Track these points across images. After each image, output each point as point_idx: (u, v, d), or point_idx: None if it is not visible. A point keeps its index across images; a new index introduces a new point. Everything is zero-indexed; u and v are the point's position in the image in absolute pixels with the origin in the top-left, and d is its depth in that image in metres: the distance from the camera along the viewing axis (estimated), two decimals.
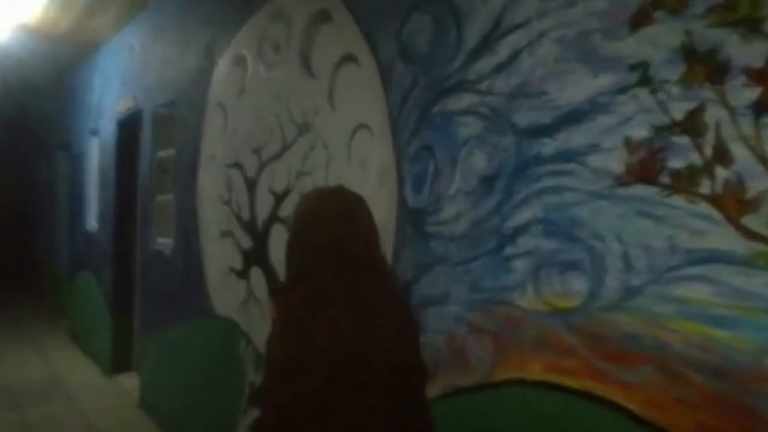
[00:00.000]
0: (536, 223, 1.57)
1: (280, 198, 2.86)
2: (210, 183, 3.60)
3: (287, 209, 2.79)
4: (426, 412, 1.36)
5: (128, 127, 5.63)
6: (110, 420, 4.58)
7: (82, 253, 6.89)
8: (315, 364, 1.24)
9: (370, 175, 2.25)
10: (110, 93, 5.85)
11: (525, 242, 1.60)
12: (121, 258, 5.69)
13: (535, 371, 1.56)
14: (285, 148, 2.84)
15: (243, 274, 3.21)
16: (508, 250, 1.65)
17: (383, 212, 2.17)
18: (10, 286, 10.00)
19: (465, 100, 1.82)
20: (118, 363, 5.68)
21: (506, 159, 1.67)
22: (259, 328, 3.04)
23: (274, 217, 2.91)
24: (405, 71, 2.08)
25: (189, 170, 3.91)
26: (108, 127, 5.90)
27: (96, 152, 6.77)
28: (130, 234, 5.74)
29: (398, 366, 1.30)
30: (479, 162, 1.76)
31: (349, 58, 2.41)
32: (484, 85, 1.75)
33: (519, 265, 1.61)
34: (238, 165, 3.27)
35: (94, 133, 6.61)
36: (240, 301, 3.23)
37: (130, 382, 5.44)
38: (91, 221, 6.79)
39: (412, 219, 2.03)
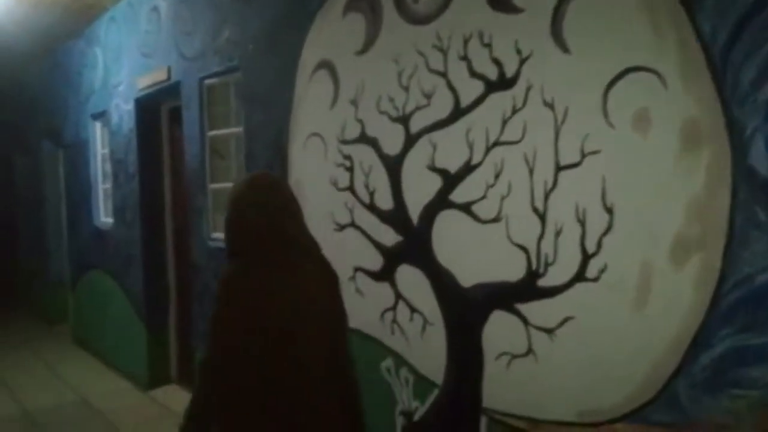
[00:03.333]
0: None
1: (454, 177, 2.19)
2: (314, 165, 2.89)
3: (472, 191, 2.13)
4: (347, 348, 1.77)
5: (152, 106, 4.81)
6: None
7: (90, 252, 6.04)
8: (247, 322, 1.58)
9: (660, 136, 1.61)
10: (123, 68, 4.98)
11: None
12: (154, 258, 4.91)
13: None
14: (458, 112, 2.16)
15: (384, 275, 2.54)
16: None
17: (697, 188, 1.53)
18: None
19: None
20: (155, 376, 4.94)
21: None
22: (421, 344, 2.39)
23: (442, 203, 2.24)
24: None
25: (272, 152, 3.17)
26: (122, 108, 5.04)
27: (101, 139, 5.90)
28: (159, 230, 4.96)
29: (324, 312, 1.68)
30: None
31: None
32: None
33: None
34: (366, 140, 2.57)
35: (99, 116, 5.72)
36: (381, 309, 2.56)
37: (173, 398, 4.72)
38: (101, 217, 5.94)
39: None
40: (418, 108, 2.32)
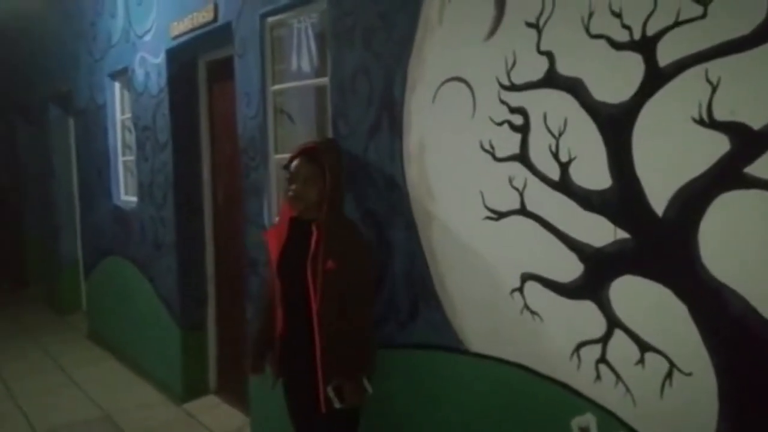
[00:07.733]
0: None
1: (763, 136, 1.30)
2: (450, 124, 2.00)
3: None
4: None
5: (189, 59, 3.92)
6: None
7: (108, 235, 5.19)
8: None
9: None
10: (150, 12, 4.06)
11: None
12: (191, 245, 4.05)
13: None
14: None
15: (584, 290, 1.67)
16: None
17: None
18: None
19: None
20: (191, 386, 4.13)
21: None
22: (658, 401, 1.53)
23: (728, 179, 1.35)
24: None
25: (376, 108, 2.28)
26: (149, 63, 4.14)
27: (120, 102, 5.01)
28: (197, 211, 4.10)
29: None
30: None
31: None
32: None
33: None
34: (559, 83, 1.68)
35: (118, 75, 4.82)
36: (575, 341, 1.70)
37: (215, 415, 3.91)
38: (122, 195, 5.07)
39: None
40: (677, 24, 1.42)
